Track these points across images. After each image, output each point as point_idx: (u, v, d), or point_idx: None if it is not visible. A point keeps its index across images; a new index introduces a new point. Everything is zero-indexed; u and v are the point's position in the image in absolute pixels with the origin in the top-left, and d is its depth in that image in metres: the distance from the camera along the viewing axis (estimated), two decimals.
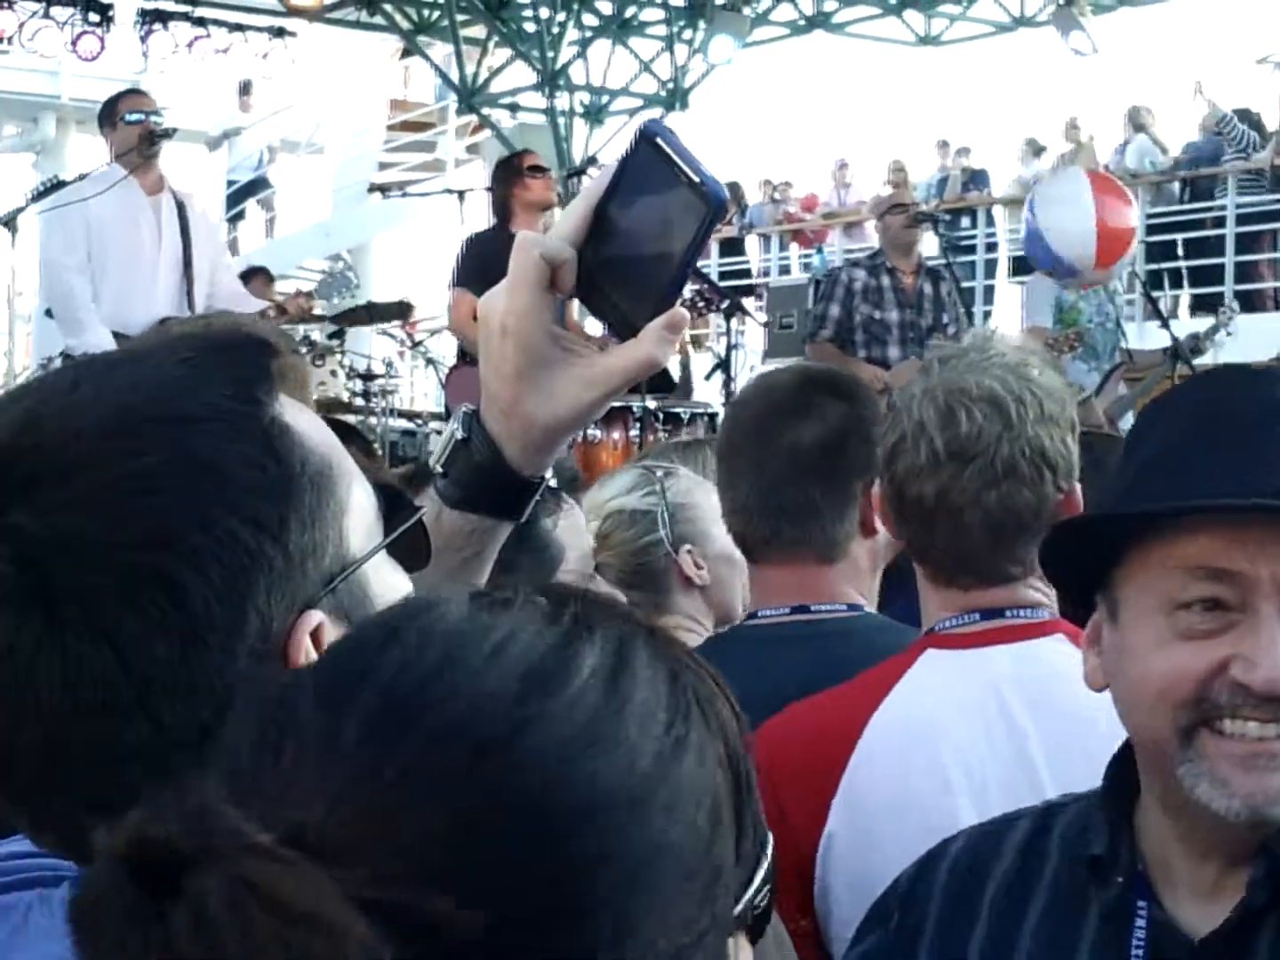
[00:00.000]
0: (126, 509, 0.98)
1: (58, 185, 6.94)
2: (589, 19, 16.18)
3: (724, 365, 8.76)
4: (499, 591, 0.82)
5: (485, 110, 16.54)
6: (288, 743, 0.74)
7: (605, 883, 0.72)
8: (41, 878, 1.08)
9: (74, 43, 13.39)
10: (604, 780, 0.74)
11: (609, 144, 15.66)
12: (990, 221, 17.05)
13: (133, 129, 6.75)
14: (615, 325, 1.22)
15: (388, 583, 1.10)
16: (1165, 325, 8.48)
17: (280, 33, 14.26)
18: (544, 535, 2.49)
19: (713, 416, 7.70)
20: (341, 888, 0.67)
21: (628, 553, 2.94)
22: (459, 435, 1.29)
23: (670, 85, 16.24)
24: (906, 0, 16.14)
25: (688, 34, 16.01)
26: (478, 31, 16.20)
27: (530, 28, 15.80)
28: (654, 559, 2.93)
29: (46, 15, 13.17)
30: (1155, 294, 11.94)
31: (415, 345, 11.78)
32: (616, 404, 6.72)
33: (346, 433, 2.76)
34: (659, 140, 1.16)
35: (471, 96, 16.27)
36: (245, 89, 18.61)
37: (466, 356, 7.76)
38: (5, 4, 13.40)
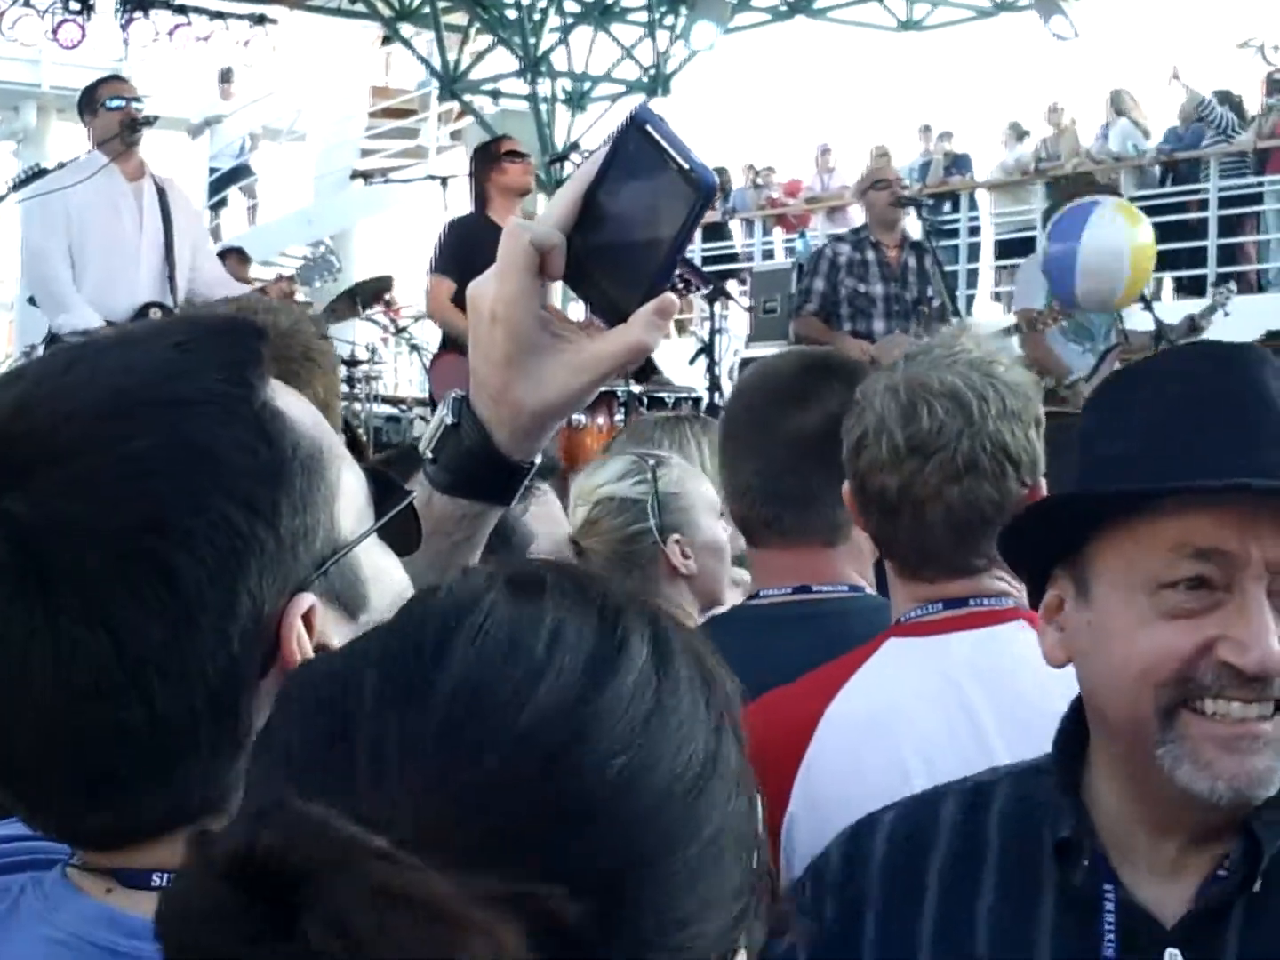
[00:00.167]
0: (120, 493, 0.98)
1: (39, 173, 6.89)
2: (570, 5, 16.13)
3: (708, 350, 8.74)
4: (526, 573, 0.82)
5: (467, 97, 16.49)
6: (358, 744, 0.74)
7: (692, 858, 0.75)
8: (34, 860, 1.09)
9: (55, 31, 13.27)
10: (680, 760, 0.77)
11: (591, 130, 15.64)
12: (973, 205, 17.04)
13: (113, 115, 6.70)
14: (604, 311, 1.22)
15: (379, 566, 1.11)
16: (1148, 307, 8.46)
17: (261, 20, 14.17)
18: (510, 521, 2.48)
19: (697, 401, 7.69)
20: (470, 890, 0.66)
21: (615, 540, 2.93)
22: (448, 421, 1.29)
23: (652, 71, 16.20)
24: None
25: (669, 20, 15.96)
26: (459, 18, 16.14)
27: (512, 14, 15.75)
28: (642, 547, 2.92)
29: (27, 3, 13.05)
30: None
31: (399, 331, 11.73)
32: (601, 389, 6.64)
33: None
34: (649, 126, 1.16)
35: (453, 83, 16.22)
36: (226, 76, 18.56)
37: (451, 343, 7.74)
38: None
